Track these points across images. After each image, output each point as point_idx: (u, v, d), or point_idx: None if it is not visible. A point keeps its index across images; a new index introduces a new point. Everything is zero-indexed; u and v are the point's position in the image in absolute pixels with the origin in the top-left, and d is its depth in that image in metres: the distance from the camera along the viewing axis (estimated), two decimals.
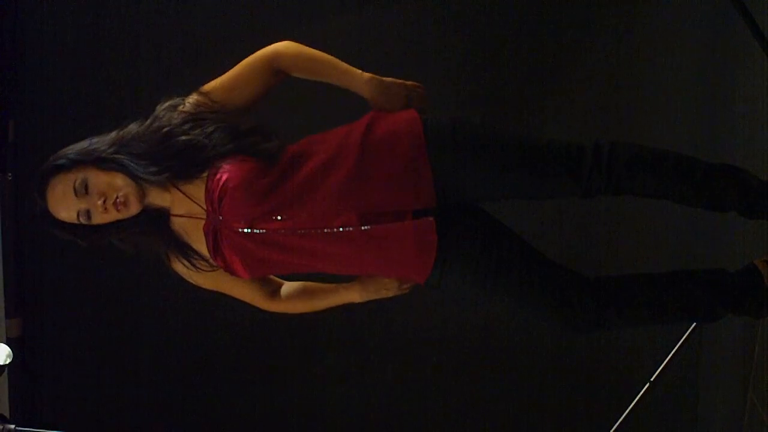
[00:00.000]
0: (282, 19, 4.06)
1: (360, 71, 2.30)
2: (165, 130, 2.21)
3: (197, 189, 2.24)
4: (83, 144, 2.25)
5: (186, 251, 2.30)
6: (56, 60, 4.15)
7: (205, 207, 2.24)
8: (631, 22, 3.91)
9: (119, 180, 2.20)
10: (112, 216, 2.21)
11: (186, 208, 2.26)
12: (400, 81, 2.30)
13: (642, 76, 3.93)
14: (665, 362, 3.34)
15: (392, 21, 4.04)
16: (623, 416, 3.42)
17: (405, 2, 4.02)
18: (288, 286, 2.47)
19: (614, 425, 3.42)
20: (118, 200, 2.18)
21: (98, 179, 2.19)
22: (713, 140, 3.69)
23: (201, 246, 2.29)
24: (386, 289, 2.37)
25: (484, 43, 4.01)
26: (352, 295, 2.41)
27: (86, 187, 2.18)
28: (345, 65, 2.32)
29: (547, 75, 3.99)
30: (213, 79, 2.34)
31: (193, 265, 2.31)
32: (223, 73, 3.95)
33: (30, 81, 4.15)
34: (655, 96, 3.91)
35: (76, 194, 2.18)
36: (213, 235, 2.25)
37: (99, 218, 2.20)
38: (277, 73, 2.30)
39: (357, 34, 4.05)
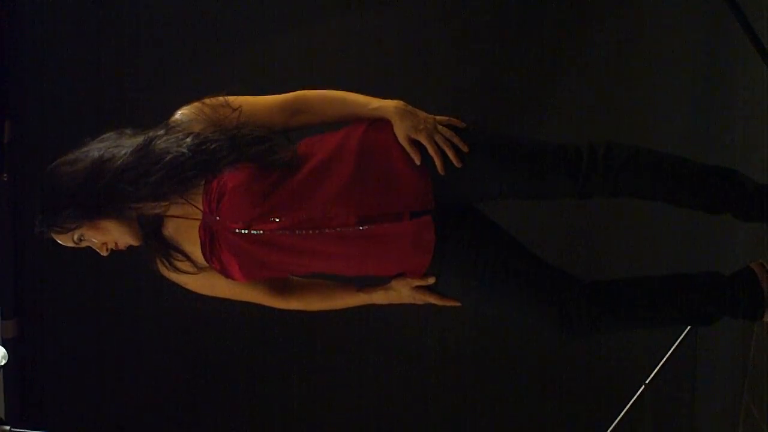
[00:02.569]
0: (282, 22, 4.07)
1: (385, 99, 2.28)
2: (168, 156, 2.17)
3: (195, 191, 2.24)
4: (77, 178, 2.19)
5: (167, 252, 2.30)
6: (52, 60, 4.15)
7: (201, 208, 2.24)
8: (629, 23, 3.92)
9: (114, 229, 2.25)
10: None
11: (182, 210, 2.25)
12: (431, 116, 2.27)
13: (639, 77, 3.94)
14: (660, 365, 3.35)
15: (390, 22, 4.04)
16: (618, 418, 3.43)
17: (402, 3, 4.02)
18: (302, 282, 2.44)
19: (609, 427, 3.43)
20: (116, 248, 2.29)
21: (94, 236, 2.25)
22: (710, 142, 3.70)
23: (195, 247, 2.29)
24: (411, 297, 2.34)
25: (481, 45, 4.02)
26: (376, 297, 2.40)
27: (84, 239, 2.27)
28: (368, 96, 2.30)
29: (544, 76, 4.00)
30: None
31: (174, 267, 2.30)
32: (223, 75, 3.98)
33: (26, 81, 4.15)
34: (653, 97, 3.92)
35: (76, 244, 2.28)
36: (209, 236, 2.25)
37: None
38: (296, 113, 2.28)
39: (355, 35, 4.06)
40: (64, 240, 2.27)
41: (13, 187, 4.05)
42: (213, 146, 2.18)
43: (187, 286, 2.39)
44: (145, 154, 2.18)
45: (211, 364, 4.30)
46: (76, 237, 2.25)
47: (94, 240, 2.26)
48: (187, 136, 2.19)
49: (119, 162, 2.19)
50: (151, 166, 2.17)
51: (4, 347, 3.41)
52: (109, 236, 2.25)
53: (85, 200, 2.19)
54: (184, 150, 2.16)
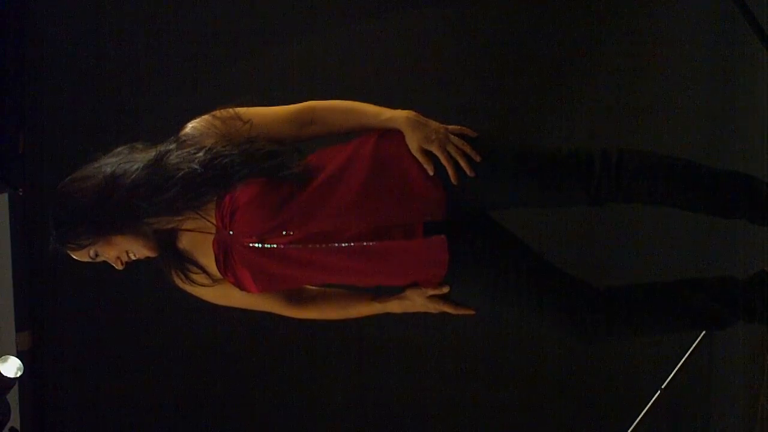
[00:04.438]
0: (287, 32, 4.08)
1: (395, 109, 2.27)
2: (180, 172, 2.17)
3: (208, 205, 2.24)
4: (90, 192, 2.20)
5: (182, 264, 2.30)
6: (64, 71, 4.17)
7: (214, 222, 2.24)
8: (635, 28, 3.92)
9: (128, 244, 2.25)
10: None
11: (195, 223, 2.26)
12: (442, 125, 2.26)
13: (646, 81, 3.93)
14: (676, 370, 3.33)
15: (397, 30, 4.05)
16: (634, 424, 3.41)
17: (407, 8, 4.03)
18: (316, 292, 2.45)
19: None
20: (130, 256, 2.29)
21: (109, 252, 2.26)
22: (719, 145, 3.69)
23: (210, 260, 2.29)
24: (426, 306, 2.35)
25: (488, 50, 4.02)
26: (391, 306, 2.40)
27: (100, 255, 2.28)
28: (378, 107, 2.29)
29: (551, 81, 4.00)
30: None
31: (189, 279, 2.30)
32: (232, 85, 3.99)
33: (38, 93, 4.17)
34: (660, 101, 3.91)
35: (92, 259, 2.29)
36: (223, 250, 2.25)
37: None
38: (306, 124, 2.28)
39: (360, 41, 4.06)
40: (79, 256, 2.28)
41: (27, 200, 4.06)
42: (225, 161, 2.18)
43: (203, 298, 2.39)
44: (157, 170, 2.19)
45: (221, 373, 4.30)
46: (91, 253, 2.25)
47: (108, 255, 2.27)
48: (199, 151, 2.18)
49: (131, 177, 2.19)
50: (164, 182, 2.18)
51: (19, 359, 3.42)
52: (124, 249, 2.26)
53: (98, 217, 2.19)
54: (196, 166, 2.16)
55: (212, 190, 2.20)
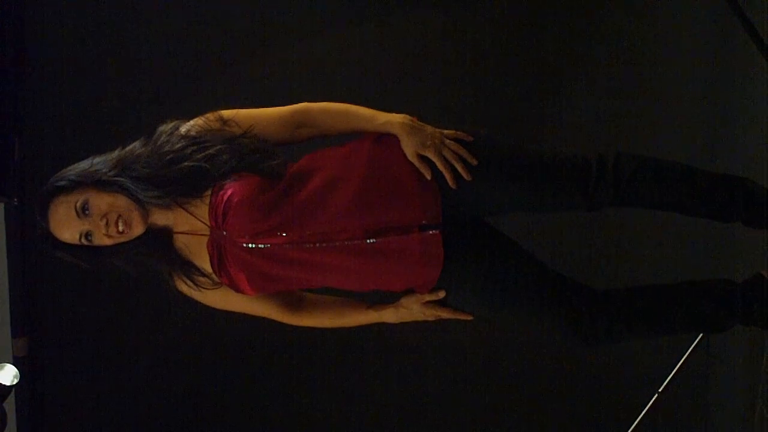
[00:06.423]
0: (284, 33, 4.08)
1: (390, 113, 2.27)
2: (169, 156, 2.20)
3: (200, 206, 2.24)
4: (84, 164, 2.24)
5: (188, 269, 2.29)
6: (61, 78, 4.16)
7: (208, 223, 2.24)
8: (633, 31, 3.93)
9: (121, 201, 2.19)
10: (115, 240, 2.21)
11: (189, 225, 2.26)
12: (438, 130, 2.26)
13: (643, 85, 3.94)
14: (673, 373, 3.34)
15: (393, 34, 4.05)
16: (632, 427, 3.41)
17: (405, 11, 4.03)
18: (313, 299, 2.45)
19: None
20: (119, 221, 2.18)
21: (100, 201, 2.18)
22: (717, 148, 3.70)
23: (205, 263, 2.29)
24: (422, 312, 2.35)
25: (486, 53, 4.02)
26: (386, 315, 2.39)
27: (88, 209, 2.18)
28: (373, 110, 2.28)
29: (549, 85, 4.00)
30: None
31: (195, 283, 2.30)
32: (227, 88, 3.99)
33: (35, 102, 4.16)
34: (656, 106, 3.92)
35: (78, 216, 2.18)
36: (217, 251, 2.25)
37: (100, 241, 2.20)
38: (299, 126, 2.28)
39: (358, 44, 4.07)
40: (65, 210, 2.18)
41: (23, 209, 4.05)
42: (212, 151, 2.19)
43: (203, 302, 2.39)
44: (152, 148, 2.21)
45: (219, 380, 4.30)
46: (80, 203, 2.17)
47: (98, 207, 2.17)
48: (188, 141, 2.21)
49: (128, 148, 2.23)
50: (158, 155, 2.20)
51: (15, 365, 3.41)
52: (116, 206, 2.18)
53: (95, 170, 2.20)
54: (184, 153, 2.19)
55: (197, 175, 2.19)
